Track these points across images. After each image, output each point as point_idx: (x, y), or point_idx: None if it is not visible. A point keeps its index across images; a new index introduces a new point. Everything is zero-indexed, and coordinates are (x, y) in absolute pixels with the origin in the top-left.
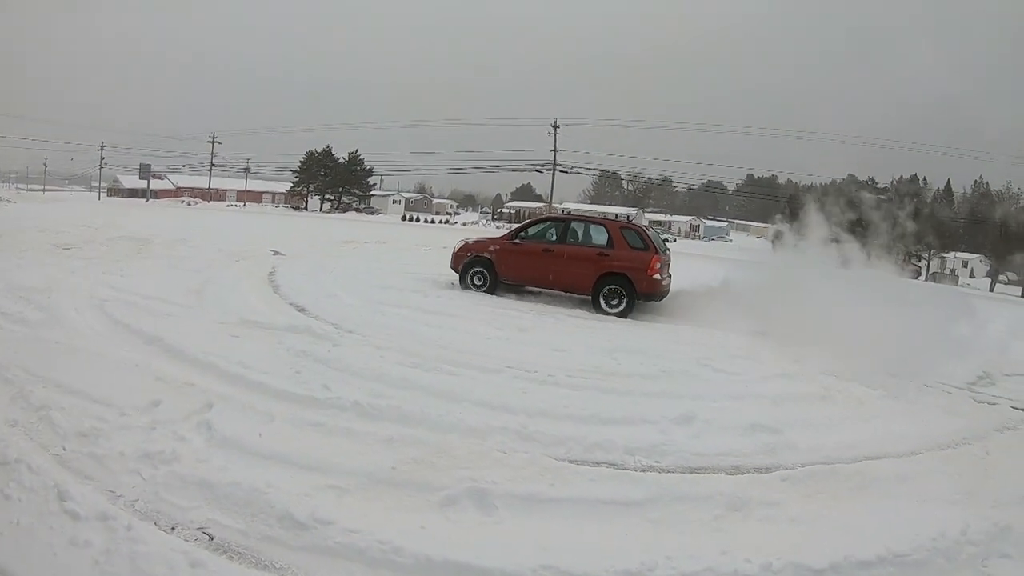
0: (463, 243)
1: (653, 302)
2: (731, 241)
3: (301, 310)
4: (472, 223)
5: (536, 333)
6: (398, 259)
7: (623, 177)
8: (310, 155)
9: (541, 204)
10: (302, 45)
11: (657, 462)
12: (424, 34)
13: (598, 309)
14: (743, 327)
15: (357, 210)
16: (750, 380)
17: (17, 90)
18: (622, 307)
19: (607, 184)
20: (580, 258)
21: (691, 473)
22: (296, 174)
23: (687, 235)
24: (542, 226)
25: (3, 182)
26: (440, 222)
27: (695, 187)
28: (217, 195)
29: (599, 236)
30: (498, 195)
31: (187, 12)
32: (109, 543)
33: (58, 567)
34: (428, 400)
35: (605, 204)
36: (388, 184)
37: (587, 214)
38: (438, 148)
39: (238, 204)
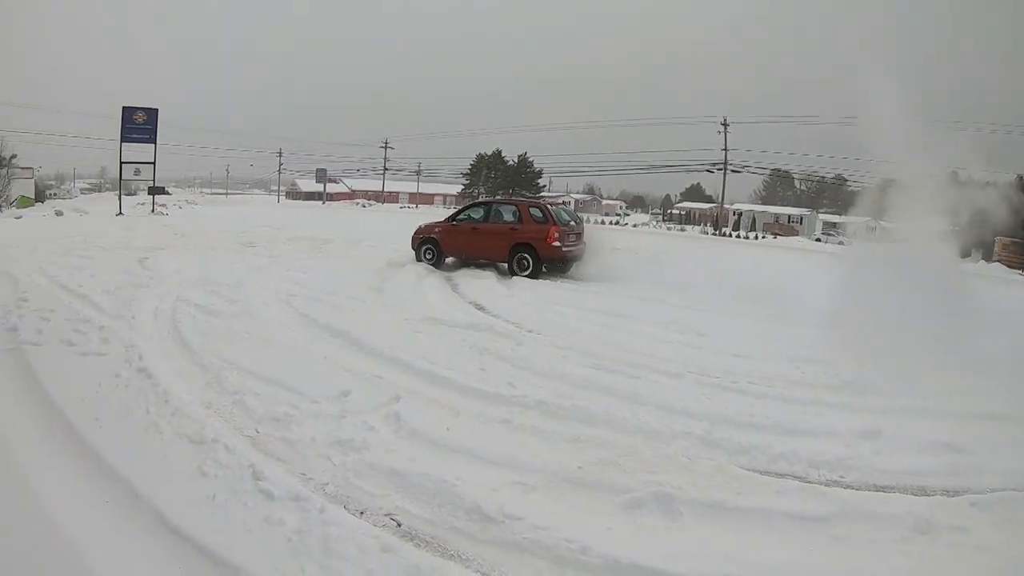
0: (418, 227)
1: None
2: None
3: (480, 308)
4: (642, 224)
5: (715, 339)
6: None
7: (795, 176)
8: (480, 157)
9: (712, 205)
10: (476, 50)
11: (842, 477)
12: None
13: (512, 273)
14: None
15: None
16: (929, 394)
17: (204, 109)
18: (529, 270)
19: (779, 184)
20: (497, 233)
21: (876, 491)
22: (466, 176)
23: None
24: (471, 210)
25: (188, 187)
26: (610, 223)
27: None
28: (390, 197)
29: (511, 214)
30: (667, 196)
31: (369, 50)
32: (302, 523)
33: (252, 542)
34: (611, 401)
35: (776, 204)
36: (557, 186)
37: (513, 198)
38: (607, 149)
39: (410, 206)
